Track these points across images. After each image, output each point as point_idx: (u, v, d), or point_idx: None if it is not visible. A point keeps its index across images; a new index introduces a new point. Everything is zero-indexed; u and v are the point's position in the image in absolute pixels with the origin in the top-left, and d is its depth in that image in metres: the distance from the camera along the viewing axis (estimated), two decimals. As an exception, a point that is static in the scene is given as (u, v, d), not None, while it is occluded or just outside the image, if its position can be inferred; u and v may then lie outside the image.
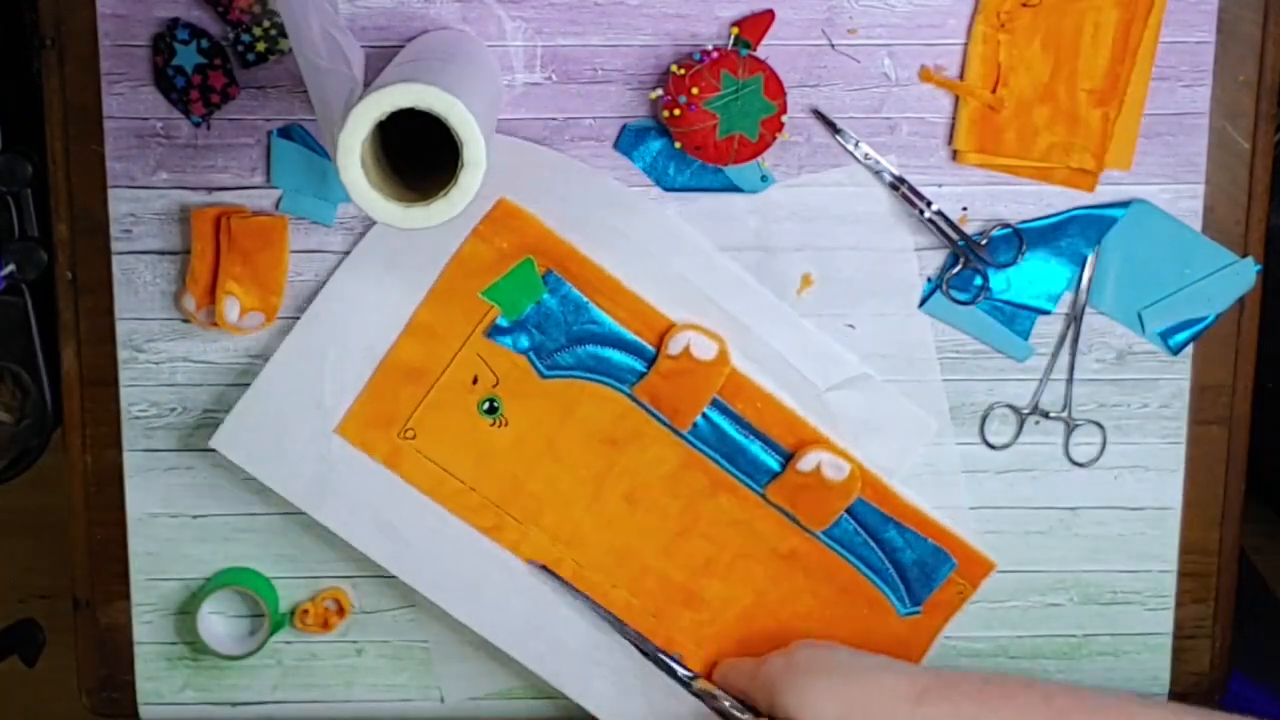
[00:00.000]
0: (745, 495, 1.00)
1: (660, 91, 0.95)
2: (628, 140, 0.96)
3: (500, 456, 0.98)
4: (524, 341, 0.97)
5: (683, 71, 0.92)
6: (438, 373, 0.97)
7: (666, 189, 0.97)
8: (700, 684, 0.99)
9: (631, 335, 0.97)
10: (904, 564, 1.01)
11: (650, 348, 0.98)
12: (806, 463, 0.98)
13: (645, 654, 0.99)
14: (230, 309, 0.96)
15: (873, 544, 1.01)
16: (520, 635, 1.01)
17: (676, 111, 0.92)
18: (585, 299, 0.96)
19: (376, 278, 0.96)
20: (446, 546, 1.00)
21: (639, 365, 0.98)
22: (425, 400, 0.97)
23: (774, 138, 0.93)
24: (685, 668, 1.00)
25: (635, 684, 1.01)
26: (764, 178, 0.97)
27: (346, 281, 0.97)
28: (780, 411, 0.99)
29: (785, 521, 1.00)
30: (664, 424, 0.98)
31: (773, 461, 0.99)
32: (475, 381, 0.97)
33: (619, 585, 1.00)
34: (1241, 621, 1.05)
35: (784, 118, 0.93)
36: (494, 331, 0.97)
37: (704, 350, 0.97)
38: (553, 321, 0.97)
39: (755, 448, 0.99)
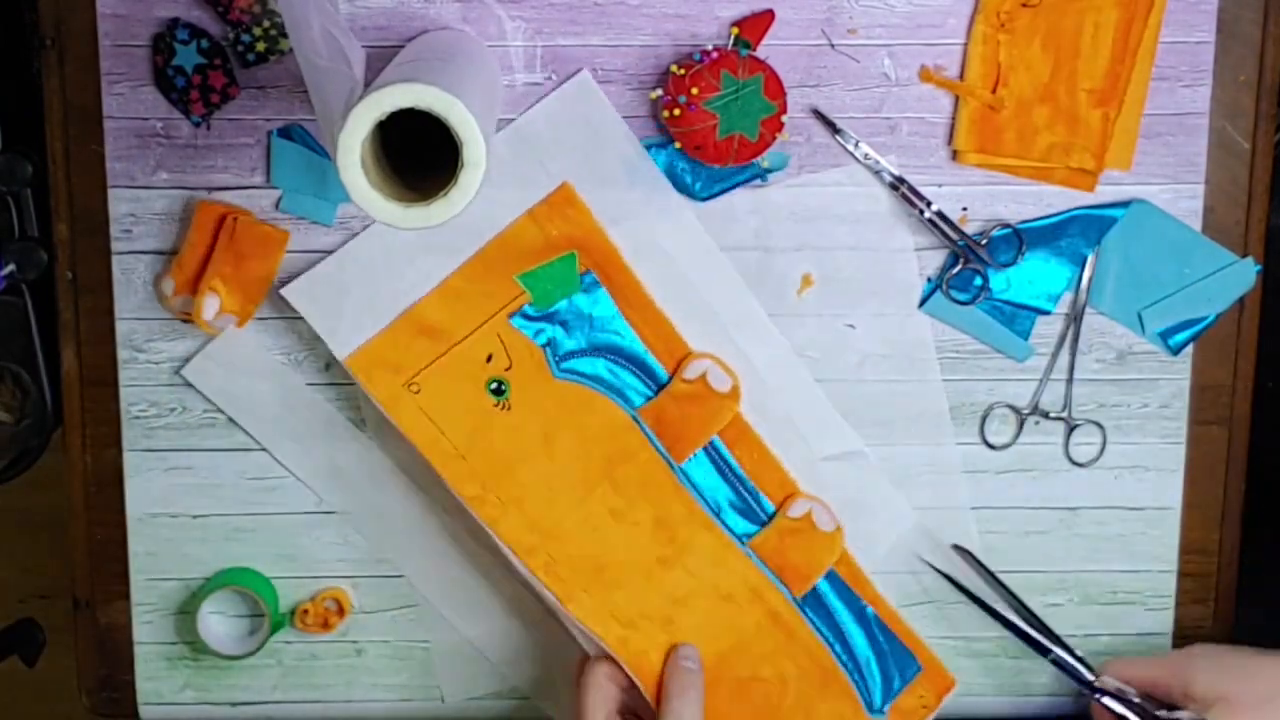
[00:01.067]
0: (728, 543, 0.99)
1: (660, 91, 0.95)
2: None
3: (496, 436, 0.98)
4: (546, 335, 0.97)
5: (683, 72, 0.92)
6: (456, 339, 0.96)
7: (702, 199, 0.97)
8: (1103, 681, 0.99)
9: (651, 357, 0.97)
10: (874, 655, 1.01)
11: (665, 373, 0.97)
12: (798, 508, 0.99)
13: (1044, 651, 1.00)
14: (209, 306, 0.96)
15: (847, 626, 1.00)
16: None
17: (676, 111, 0.92)
18: (616, 309, 0.96)
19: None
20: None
21: (650, 389, 0.98)
22: (437, 361, 0.96)
23: (774, 138, 0.93)
24: (1087, 669, 1.00)
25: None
26: (766, 170, 0.96)
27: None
28: (774, 469, 0.99)
29: (768, 579, 0.99)
30: (661, 453, 0.98)
31: (758, 516, 0.99)
32: (489, 359, 0.96)
33: (590, 591, 0.98)
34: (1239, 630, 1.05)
35: (784, 118, 0.93)
36: (520, 316, 0.96)
37: (719, 382, 0.97)
38: (579, 322, 0.97)
39: (745, 498, 0.99)
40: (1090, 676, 0.99)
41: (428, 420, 0.97)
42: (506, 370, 0.96)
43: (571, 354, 0.97)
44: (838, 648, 1.00)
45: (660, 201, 0.97)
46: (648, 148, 0.96)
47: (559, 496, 0.98)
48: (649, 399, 0.98)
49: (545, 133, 0.96)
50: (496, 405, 0.97)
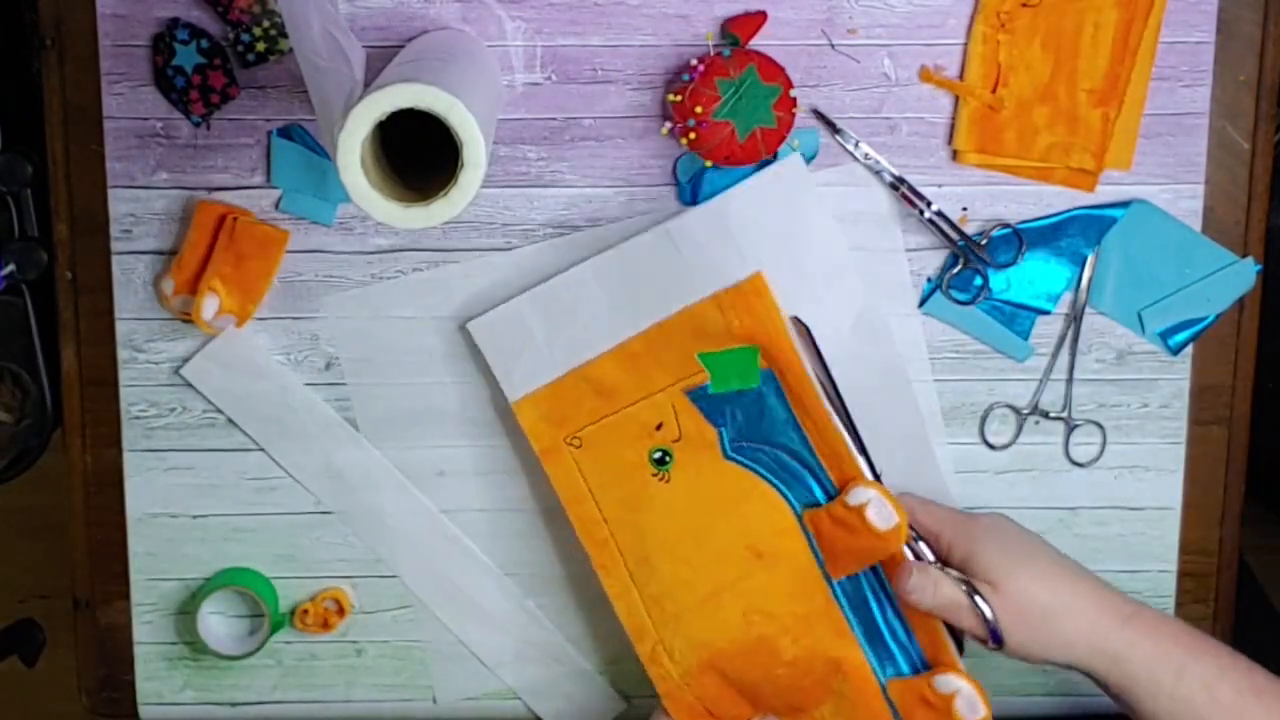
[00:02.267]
0: (867, 676, 0.95)
1: (668, 125, 0.95)
2: (686, 191, 0.97)
3: (647, 507, 0.95)
4: (721, 416, 0.94)
5: (679, 97, 0.92)
6: (628, 401, 0.94)
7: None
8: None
9: (822, 468, 0.94)
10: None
11: (835, 486, 0.94)
12: (944, 685, 0.93)
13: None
14: (209, 306, 0.96)
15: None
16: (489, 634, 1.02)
17: (693, 136, 0.92)
18: (792, 413, 0.94)
19: (613, 287, 0.94)
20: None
21: (820, 494, 0.95)
22: (606, 419, 0.94)
23: (792, 115, 0.93)
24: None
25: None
26: (800, 155, 0.96)
27: (587, 276, 0.95)
28: (932, 625, 0.94)
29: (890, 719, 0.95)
30: (818, 561, 0.94)
31: (904, 660, 0.95)
32: (659, 428, 0.94)
33: (690, 687, 0.95)
34: (1238, 634, 1.05)
35: (793, 92, 0.93)
36: (696, 393, 0.94)
37: (882, 519, 0.92)
38: (754, 414, 0.94)
39: (895, 636, 0.95)
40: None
41: (580, 477, 0.95)
42: (675, 441, 0.94)
43: (745, 441, 0.94)
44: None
45: (856, 308, 0.96)
46: (698, 172, 0.96)
47: (691, 587, 0.95)
48: (815, 506, 0.94)
49: (746, 212, 0.94)
50: (655, 475, 0.94)
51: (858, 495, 0.93)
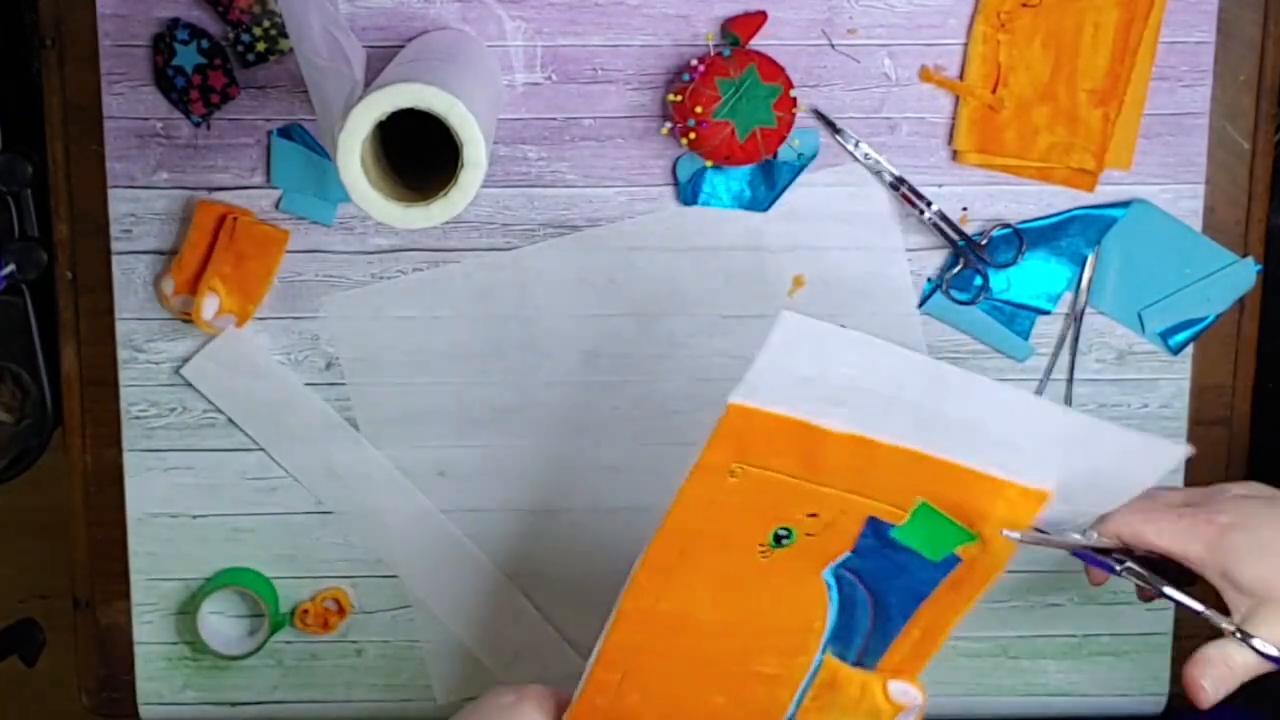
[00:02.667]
0: None
1: (668, 125, 0.95)
2: (686, 191, 0.97)
3: (729, 567, 0.85)
4: (867, 549, 0.84)
5: (680, 97, 0.93)
6: (818, 481, 0.83)
7: (765, 209, 0.98)
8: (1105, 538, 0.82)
9: (882, 651, 0.86)
10: None
11: (875, 664, 0.86)
12: None
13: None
14: (209, 306, 0.96)
15: None
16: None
17: (693, 136, 0.92)
18: (931, 598, 0.84)
19: (931, 398, 0.82)
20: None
21: (852, 656, 0.86)
22: (781, 476, 0.83)
23: (792, 115, 0.93)
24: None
25: None
26: (800, 155, 0.96)
27: (928, 372, 0.81)
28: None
29: None
30: (797, 698, 0.86)
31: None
32: (812, 516, 0.83)
33: None
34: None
35: (793, 92, 0.93)
36: (876, 521, 0.83)
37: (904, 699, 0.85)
38: (894, 570, 0.84)
39: None
40: (1090, 538, 0.83)
41: (696, 513, 0.84)
42: (808, 536, 0.84)
43: (853, 571, 0.85)
44: None
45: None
46: (698, 172, 0.96)
47: (697, 655, 0.86)
48: (843, 661, 0.86)
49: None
50: (763, 549, 0.85)
51: (901, 693, 0.84)
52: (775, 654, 0.86)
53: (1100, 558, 0.81)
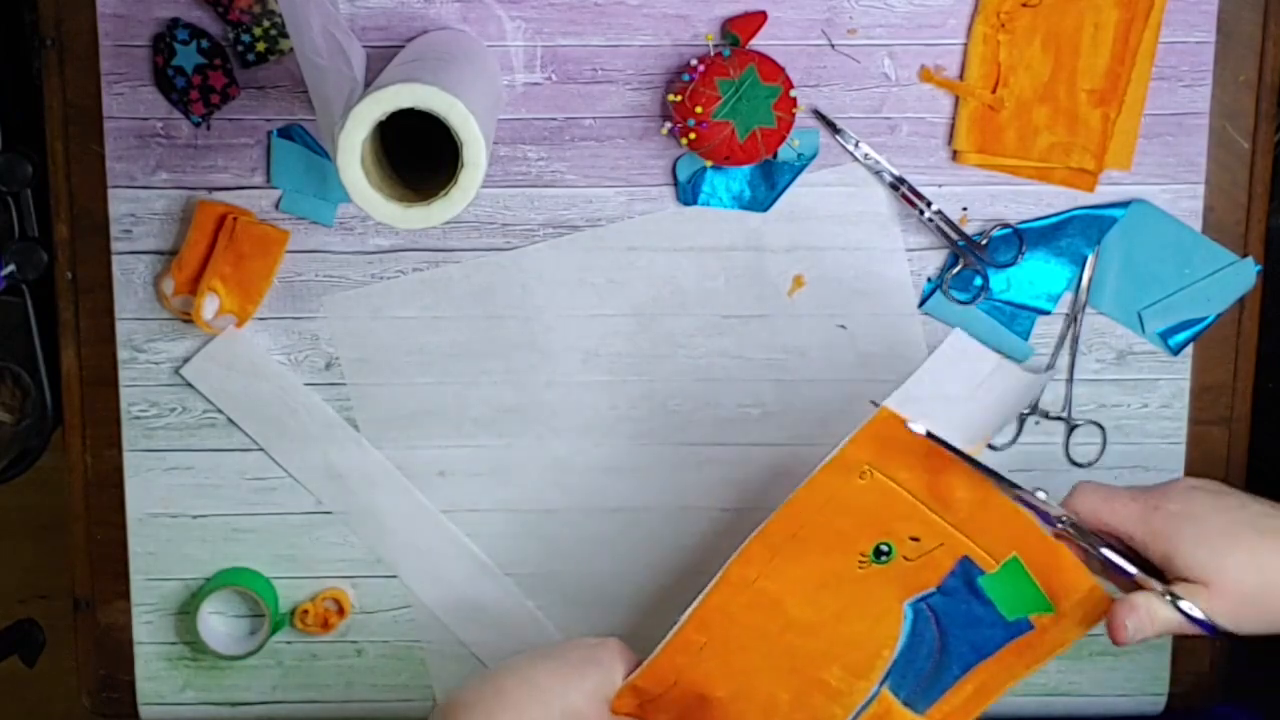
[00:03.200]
0: None
1: (668, 124, 0.95)
2: (686, 191, 0.97)
3: (827, 571, 0.87)
4: (953, 590, 0.86)
5: (680, 97, 0.92)
6: (935, 508, 0.86)
7: (765, 209, 0.98)
8: (1068, 525, 0.86)
9: (938, 695, 0.87)
10: None
11: (927, 707, 0.88)
12: None
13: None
14: (209, 306, 0.96)
15: None
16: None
17: (693, 136, 0.92)
18: (982, 656, 0.87)
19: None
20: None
21: (905, 692, 0.87)
22: (903, 491, 0.86)
23: (792, 115, 0.93)
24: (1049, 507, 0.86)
25: None
26: (800, 155, 0.96)
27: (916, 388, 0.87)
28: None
29: None
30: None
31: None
32: (915, 540, 0.86)
33: (667, 694, 0.88)
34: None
35: (793, 92, 0.93)
36: (968, 562, 0.85)
37: None
38: (968, 618, 0.87)
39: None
40: (1057, 511, 0.86)
41: (819, 501, 0.86)
42: (905, 560, 0.86)
43: (932, 609, 0.87)
44: None
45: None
46: (698, 172, 0.96)
47: (776, 664, 0.88)
48: (896, 696, 0.87)
49: None
50: (861, 560, 0.87)
51: None
52: (844, 669, 0.88)
53: (1044, 510, 0.85)
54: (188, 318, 0.97)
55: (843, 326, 1.00)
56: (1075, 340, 1.00)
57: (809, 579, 0.88)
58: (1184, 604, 0.82)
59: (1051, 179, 0.98)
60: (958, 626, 0.87)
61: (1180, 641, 1.04)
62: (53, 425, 1.08)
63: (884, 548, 0.87)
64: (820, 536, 0.87)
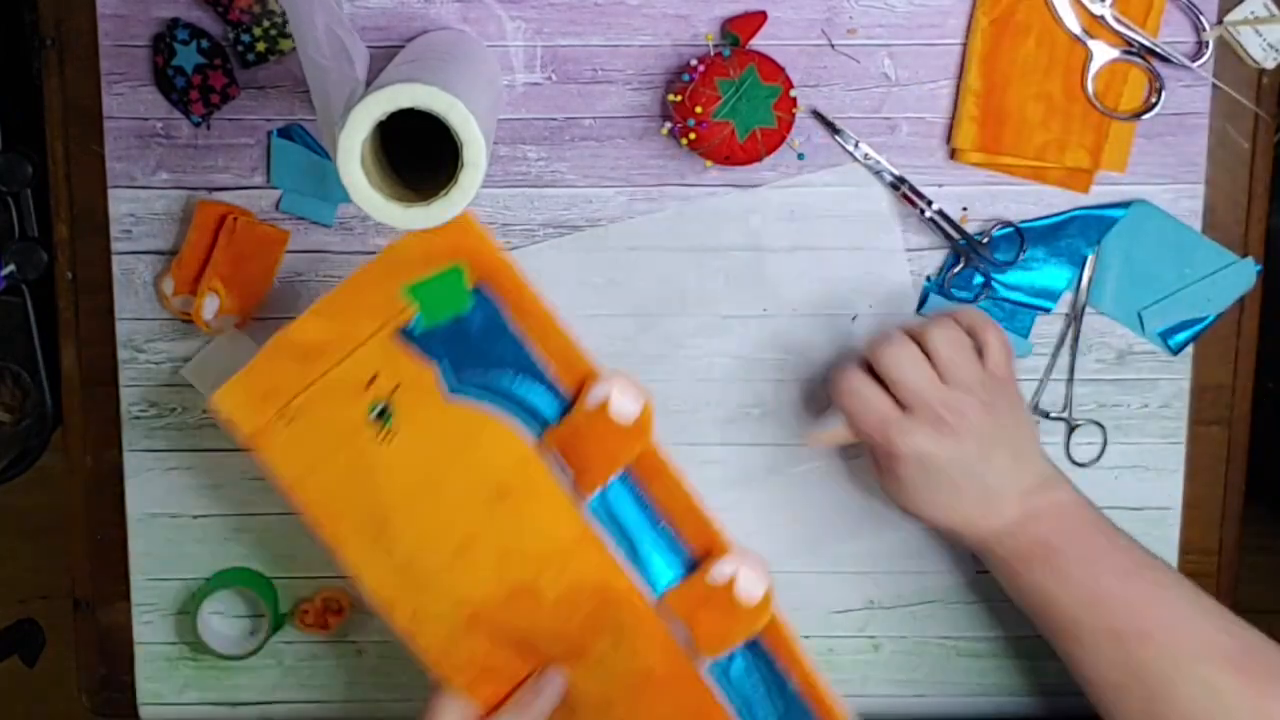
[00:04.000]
0: (636, 598, 0.87)
1: (668, 124, 0.95)
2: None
3: (375, 470, 0.87)
4: (437, 352, 0.86)
5: (679, 97, 0.93)
6: (335, 360, 0.86)
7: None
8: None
9: (552, 378, 0.87)
10: None
11: (569, 397, 0.87)
12: (718, 573, 0.87)
13: None
14: (209, 306, 0.96)
15: (757, 701, 0.89)
16: None
17: (693, 136, 0.92)
18: (511, 325, 0.87)
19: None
20: None
21: (554, 411, 0.87)
22: (314, 385, 0.86)
23: (792, 115, 0.93)
24: None
25: None
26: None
27: None
28: (695, 512, 0.88)
29: (672, 640, 0.88)
30: (566, 488, 0.87)
31: (675, 565, 0.89)
32: (373, 381, 0.85)
33: (460, 649, 0.88)
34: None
35: (793, 92, 0.93)
36: (406, 332, 0.86)
37: (624, 412, 0.86)
38: (471, 341, 0.86)
39: (661, 543, 0.88)
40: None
41: (299, 454, 0.86)
42: (393, 392, 0.85)
43: (467, 373, 0.86)
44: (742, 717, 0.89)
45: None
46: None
47: (438, 544, 0.87)
48: (551, 425, 0.87)
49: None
50: (379, 435, 0.86)
51: (596, 394, 0.86)
52: (515, 495, 0.87)
53: None
54: (188, 318, 0.97)
55: (854, 318, 1.00)
56: (1075, 340, 1.00)
57: (384, 507, 0.87)
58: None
59: (1047, 179, 0.98)
60: (471, 347, 0.86)
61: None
62: (53, 425, 1.08)
63: (377, 410, 0.86)
64: (322, 490, 0.87)
